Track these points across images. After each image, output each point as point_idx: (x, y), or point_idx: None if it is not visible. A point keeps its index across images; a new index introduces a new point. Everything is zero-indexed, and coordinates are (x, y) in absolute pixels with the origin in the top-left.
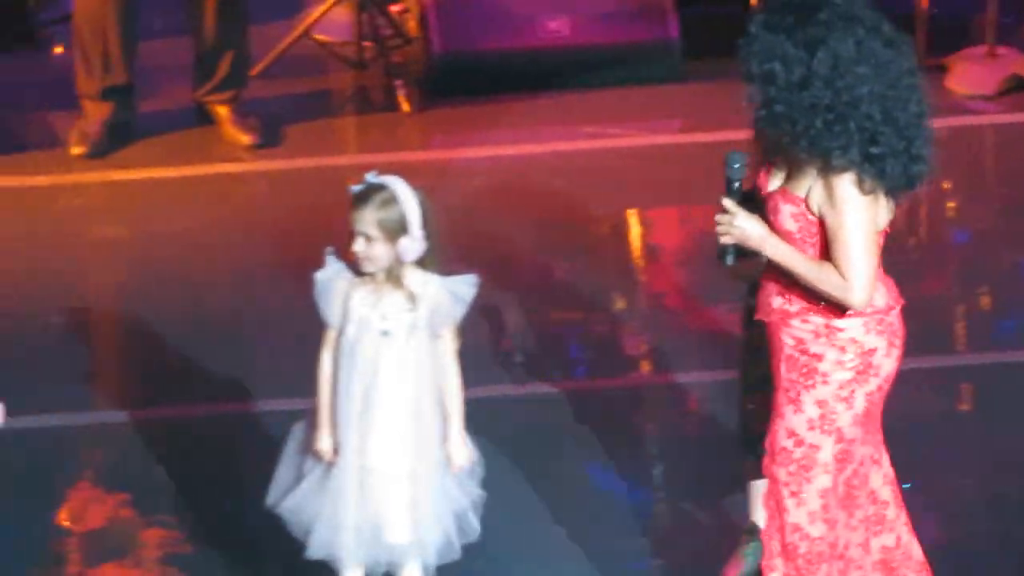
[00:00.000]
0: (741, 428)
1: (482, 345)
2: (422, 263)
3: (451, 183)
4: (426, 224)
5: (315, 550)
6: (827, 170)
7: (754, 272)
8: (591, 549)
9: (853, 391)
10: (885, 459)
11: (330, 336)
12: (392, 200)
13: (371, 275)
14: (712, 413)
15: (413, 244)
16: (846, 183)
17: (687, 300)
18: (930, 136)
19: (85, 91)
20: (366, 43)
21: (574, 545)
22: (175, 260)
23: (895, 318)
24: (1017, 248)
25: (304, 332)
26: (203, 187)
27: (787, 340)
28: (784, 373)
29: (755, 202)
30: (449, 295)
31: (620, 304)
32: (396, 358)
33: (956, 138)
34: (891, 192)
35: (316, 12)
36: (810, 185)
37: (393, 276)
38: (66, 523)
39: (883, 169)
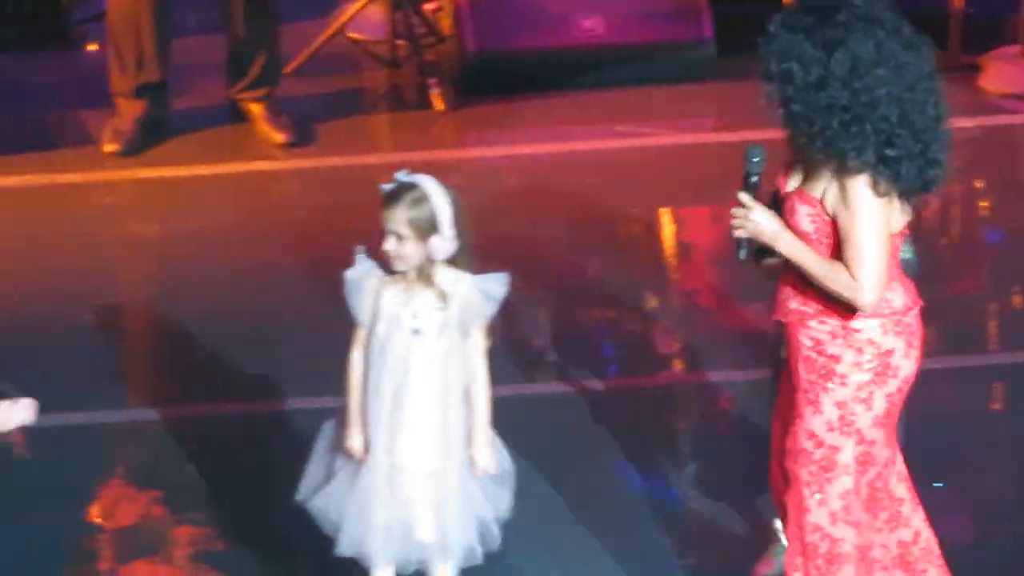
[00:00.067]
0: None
1: (514, 344)
2: (453, 261)
3: (484, 181)
4: (457, 222)
5: (345, 548)
6: (842, 171)
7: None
8: (622, 548)
9: (872, 392)
10: (898, 457)
11: (360, 335)
12: (423, 199)
13: (402, 274)
14: (744, 412)
15: (444, 243)
16: (861, 184)
17: (719, 299)
18: (947, 140)
19: (118, 89)
20: (400, 41)
21: (605, 544)
22: (207, 258)
23: (913, 319)
24: None
25: (335, 330)
26: (236, 185)
27: (804, 341)
28: (803, 374)
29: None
30: (480, 293)
31: (652, 303)
32: (427, 357)
33: (989, 137)
34: (905, 195)
35: (350, 10)
36: (826, 186)
37: (424, 275)
38: (97, 520)
39: (898, 172)
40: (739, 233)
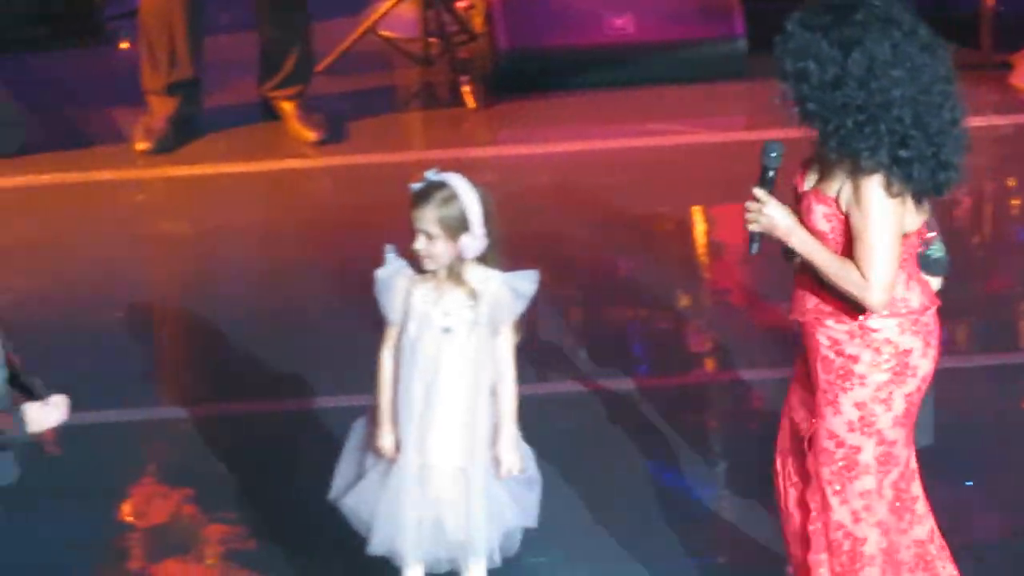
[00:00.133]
0: None
1: (544, 341)
2: (483, 259)
3: (516, 179)
4: (487, 221)
5: (376, 546)
6: (856, 171)
7: None
8: (653, 545)
9: (891, 392)
10: (912, 456)
11: (391, 333)
12: (452, 197)
13: (432, 272)
14: (776, 410)
15: (474, 241)
16: (874, 184)
17: (751, 297)
18: (962, 143)
19: (150, 86)
20: (432, 39)
21: (635, 542)
22: (238, 256)
23: (931, 318)
24: None
25: (365, 329)
26: (267, 183)
27: (822, 340)
28: (821, 374)
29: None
30: (510, 291)
31: (684, 301)
32: (457, 355)
33: (1021, 135)
34: (918, 196)
35: (382, 8)
36: (841, 185)
37: (454, 273)
38: (129, 518)
39: (910, 173)
40: (752, 227)
